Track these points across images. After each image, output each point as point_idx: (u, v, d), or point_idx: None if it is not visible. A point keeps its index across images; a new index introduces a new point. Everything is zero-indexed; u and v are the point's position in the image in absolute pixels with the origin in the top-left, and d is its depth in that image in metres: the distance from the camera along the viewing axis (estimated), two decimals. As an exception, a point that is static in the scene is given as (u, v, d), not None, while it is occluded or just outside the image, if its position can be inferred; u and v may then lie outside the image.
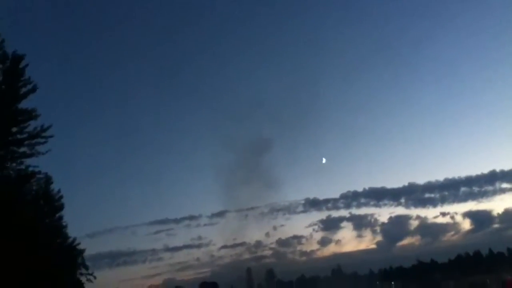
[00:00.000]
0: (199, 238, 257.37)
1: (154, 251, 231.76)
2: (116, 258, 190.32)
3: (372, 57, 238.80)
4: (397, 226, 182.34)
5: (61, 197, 40.78)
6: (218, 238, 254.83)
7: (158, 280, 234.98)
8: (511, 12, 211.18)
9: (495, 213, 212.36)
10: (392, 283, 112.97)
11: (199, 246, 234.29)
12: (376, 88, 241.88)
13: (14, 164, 27.10)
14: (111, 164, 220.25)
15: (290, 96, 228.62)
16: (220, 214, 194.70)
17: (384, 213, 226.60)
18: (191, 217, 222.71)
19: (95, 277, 52.75)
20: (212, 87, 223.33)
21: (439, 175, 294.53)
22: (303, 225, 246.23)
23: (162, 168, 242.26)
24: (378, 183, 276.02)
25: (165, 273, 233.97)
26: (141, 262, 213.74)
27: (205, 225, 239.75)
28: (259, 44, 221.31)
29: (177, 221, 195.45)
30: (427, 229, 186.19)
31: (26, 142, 26.69)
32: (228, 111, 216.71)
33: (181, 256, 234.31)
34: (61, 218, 42.20)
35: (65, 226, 44.23)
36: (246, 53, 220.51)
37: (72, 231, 53.02)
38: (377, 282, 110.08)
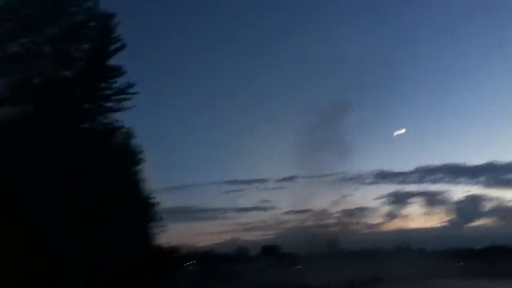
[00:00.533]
0: (267, 201, 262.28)
1: (223, 210, 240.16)
2: (188, 213, 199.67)
3: (475, 20, 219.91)
4: (472, 205, 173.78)
5: (142, 151, 42.93)
6: (284, 203, 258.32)
7: (224, 237, 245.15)
8: None
9: None
10: (460, 263, 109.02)
11: (265, 209, 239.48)
12: (471, 57, 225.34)
13: (102, 118, 28.91)
14: (191, 124, 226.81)
15: (376, 59, 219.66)
16: (289, 179, 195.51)
17: (459, 191, 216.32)
18: (261, 180, 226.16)
19: (167, 230, 56.14)
20: (291, 45, 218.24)
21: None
22: (370, 197, 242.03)
23: (238, 130, 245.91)
24: (457, 159, 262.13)
25: (231, 231, 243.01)
26: (211, 219, 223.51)
27: (273, 188, 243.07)
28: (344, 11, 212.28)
29: (248, 182, 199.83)
30: (504, 211, 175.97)
31: (113, 98, 28.26)
32: (307, 72, 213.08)
33: (248, 217, 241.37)
34: (140, 171, 44.55)
35: (143, 180, 46.60)
36: (330, 8, 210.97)
37: (150, 185, 56.08)
38: (444, 261, 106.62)
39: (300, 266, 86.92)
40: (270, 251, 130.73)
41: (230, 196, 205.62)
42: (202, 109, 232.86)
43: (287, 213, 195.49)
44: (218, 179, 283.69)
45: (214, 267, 79.79)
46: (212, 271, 70.59)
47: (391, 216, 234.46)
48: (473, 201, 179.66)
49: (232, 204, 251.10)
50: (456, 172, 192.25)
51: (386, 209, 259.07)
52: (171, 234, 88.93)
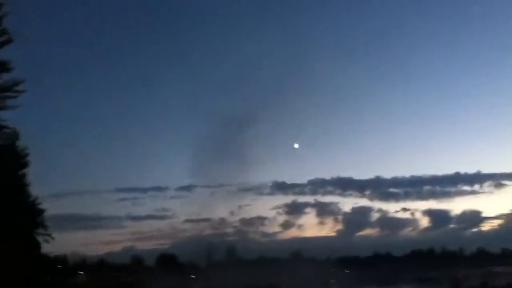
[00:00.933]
0: (164, 209, 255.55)
1: (117, 218, 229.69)
2: (78, 221, 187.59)
3: (363, 48, 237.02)
4: (359, 216, 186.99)
5: (27, 154, 39.97)
6: (182, 212, 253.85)
7: (117, 247, 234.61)
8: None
9: (453, 213, 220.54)
10: (347, 270, 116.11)
11: (162, 217, 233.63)
12: (360, 80, 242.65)
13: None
14: (81, 127, 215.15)
15: (275, 77, 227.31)
16: (188, 188, 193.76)
17: (348, 203, 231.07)
18: (158, 188, 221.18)
19: (52, 238, 52.23)
20: (193, 57, 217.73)
21: (406, 172, 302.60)
22: (268, 207, 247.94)
23: (133, 137, 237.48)
24: (346, 173, 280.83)
25: (126, 240, 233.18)
26: (103, 228, 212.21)
27: (171, 197, 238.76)
28: (247, 18, 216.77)
29: (143, 190, 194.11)
30: (387, 222, 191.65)
31: (-4, 95, 25.95)
32: (209, 84, 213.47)
33: (144, 226, 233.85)
34: (25, 175, 41.40)
35: (29, 184, 43.37)
36: (233, 26, 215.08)
37: (36, 190, 52.15)
38: (333, 269, 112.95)
39: (194, 276, 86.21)
40: (166, 260, 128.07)
41: (124, 204, 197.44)
42: (96, 112, 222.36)
43: (185, 222, 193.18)
44: (111, 186, 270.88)
45: (105, 277, 76.06)
46: (102, 281, 67.17)
47: (287, 225, 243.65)
48: (360, 212, 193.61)
49: (126, 213, 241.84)
50: (345, 186, 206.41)
51: (282, 218, 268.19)
52: (58, 243, 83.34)
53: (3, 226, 30.04)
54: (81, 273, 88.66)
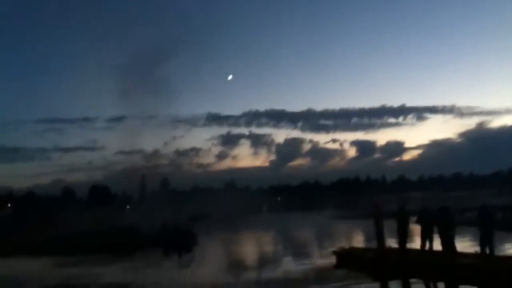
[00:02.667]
0: (94, 141, 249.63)
1: (42, 149, 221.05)
2: (0, 153, 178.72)
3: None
4: (291, 147, 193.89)
5: None
6: (113, 143, 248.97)
7: (46, 179, 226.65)
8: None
9: (378, 144, 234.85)
10: (279, 198, 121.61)
11: (93, 149, 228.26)
12: (294, 12, 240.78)
13: None
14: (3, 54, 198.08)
15: (202, 7, 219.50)
16: (118, 119, 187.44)
17: (281, 135, 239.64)
18: (86, 119, 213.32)
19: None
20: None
21: (336, 104, 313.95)
22: (203, 139, 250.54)
23: (59, 68, 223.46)
24: (279, 105, 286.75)
25: (55, 172, 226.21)
26: (28, 160, 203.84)
27: (101, 128, 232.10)
28: None
29: (70, 121, 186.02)
30: (317, 153, 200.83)
31: None
32: (138, 12, 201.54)
33: (73, 158, 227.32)
34: None
35: None
36: None
37: None
38: (265, 197, 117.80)
39: (129, 207, 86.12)
40: (98, 192, 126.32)
41: (50, 135, 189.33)
42: (19, 40, 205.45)
43: (116, 153, 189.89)
44: (34, 117, 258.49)
45: (34, 210, 74.02)
46: (31, 215, 65.37)
47: (221, 156, 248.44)
48: (292, 143, 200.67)
49: (53, 144, 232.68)
50: (278, 118, 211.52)
51: (217, 149, 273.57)
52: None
53: None
54: (8, 205, 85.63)
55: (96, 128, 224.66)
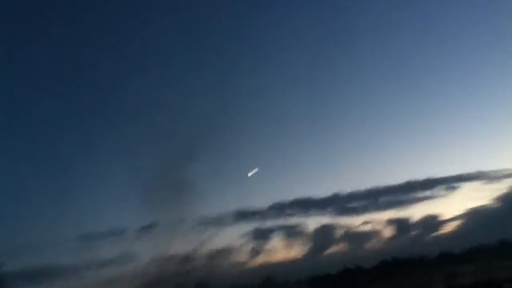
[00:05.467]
0: (125, 252, 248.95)
1: (77, 267, 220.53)
2: (36, 275, 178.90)
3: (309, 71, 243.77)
4: (324, 234, 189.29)
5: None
6: (145, 253, 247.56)
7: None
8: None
9: (412, 220, 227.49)
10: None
11: (125, 261, 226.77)
12: (301, 97, 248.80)
13: None
14: (26, 174, 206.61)
15: (214, 107, 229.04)
16: (147, 228, 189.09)
17: (311, 223, 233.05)
18: (117, 231, 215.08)
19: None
20: (135, 98, 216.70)
21: (361, 185, 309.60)
22: (233, 237, 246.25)
23: (80, 183, 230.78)
24: (304, 194, 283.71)
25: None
26: (63, 279, 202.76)
27: (131, 239, 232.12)
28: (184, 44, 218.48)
29: (102, 235, 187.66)
30: (352, 237, 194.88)
31: None
32: (151, 121, 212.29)
33: (106, 272, 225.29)
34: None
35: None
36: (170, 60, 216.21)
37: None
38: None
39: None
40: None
41: (83, 251, 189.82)
42: (40, 154, 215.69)
43: (150, 262, 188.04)
44: (67, 235, 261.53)
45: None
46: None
47: (254, 252, 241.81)
48: (324, 230, 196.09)
49: (86, 261, 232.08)
50: (305, 206, 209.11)
51: (249, 246, 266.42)
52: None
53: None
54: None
55: (127, 239, 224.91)
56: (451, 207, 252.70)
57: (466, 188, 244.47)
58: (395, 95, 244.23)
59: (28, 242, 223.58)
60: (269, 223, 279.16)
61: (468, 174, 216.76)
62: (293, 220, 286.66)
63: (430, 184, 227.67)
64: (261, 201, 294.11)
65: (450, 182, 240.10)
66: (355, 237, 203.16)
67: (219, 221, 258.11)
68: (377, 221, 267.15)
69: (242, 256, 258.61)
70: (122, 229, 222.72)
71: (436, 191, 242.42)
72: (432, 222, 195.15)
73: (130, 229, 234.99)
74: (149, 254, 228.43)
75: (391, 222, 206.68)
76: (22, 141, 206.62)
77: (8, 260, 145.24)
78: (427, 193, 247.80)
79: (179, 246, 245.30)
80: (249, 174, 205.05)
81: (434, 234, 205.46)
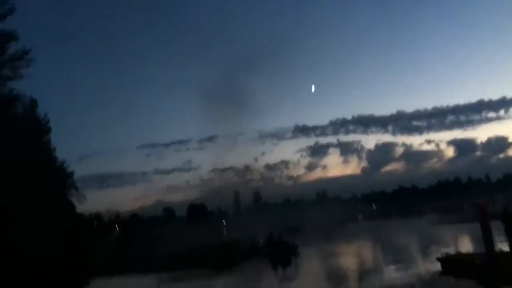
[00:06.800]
0: (189, 162, 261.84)
1: (144, 173, 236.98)
2: (106, 180, 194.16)
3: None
4: (383, 152, 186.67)
5: (48, 120, 40.83)
6: (207, 162, 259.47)
7: (148, 201, 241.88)
8: None
9: (478, 141, 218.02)
10: (374, 206, 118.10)
11: (188, 169, 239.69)
12: (367, 14, 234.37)
13: (-3, 87, 26.66)
14: (98, 88, 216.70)
15: (280, 20, 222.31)
16: (209, 139, 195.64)
17: (371, 140, 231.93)
18: (180, 141, 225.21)
19: (85, 198, 54.24)
20: (199, 8, 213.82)
21: (427, 104, 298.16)
22: (291, 151, 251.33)
23: (149, 93, 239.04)
24: (366, 111, 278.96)
25: (155, 194, 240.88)
26: (131, 184, 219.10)
27: (194, 149, 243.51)
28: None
29: (166, 145, 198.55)
30: (412, 156, 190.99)
31: (8, 65, 26.13)
32: (214, 33, 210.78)
33: (171, 179, 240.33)
34: (49, 141, 42.39)
35: (53, 149, 44.41)
36: None
37: (61, 154, 53.95)
38: (359, 205, 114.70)
39: (224, 222, 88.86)
40: (196, 210, 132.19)
41: (149, 159, 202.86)
42: (109, 71, 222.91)
43: (210, 172, 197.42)
44: (134, 144, 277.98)
45: (139, 231, 79.27)
46: (137, 235, 70.06)
47: (311, 167, 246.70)
48: (384, 148, 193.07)
49: (152, 168, 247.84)
50: (366, 123, 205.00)
51: (305, 161, 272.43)
52: (91, 202, 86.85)
53: (36, 192, 31.08)
54: (116, 229, 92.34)
55: (190, 149, 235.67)
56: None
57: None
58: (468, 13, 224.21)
59: (98, 150, 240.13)
60: (328, 139, 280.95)
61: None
62: (352, 137, 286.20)
63: (503, 104, 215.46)
64: (322, 117, 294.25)
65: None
66: (415, 156, 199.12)
67: (278, 135, 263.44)
68: (441, 140, 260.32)
69: (298, 170, 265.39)
70: (185, 140, 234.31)
71: (509, 112, 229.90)
72: (499, 144, 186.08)
73: (193, 140, 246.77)
74: (210, 164, 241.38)
75: (455, 142, 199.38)
76: (94, 55, 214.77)
77: (79, 166, 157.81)
78: (500, 113, 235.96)
79: (239, 158, 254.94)
80: (312, 89, 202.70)
81: (499, 156, 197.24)
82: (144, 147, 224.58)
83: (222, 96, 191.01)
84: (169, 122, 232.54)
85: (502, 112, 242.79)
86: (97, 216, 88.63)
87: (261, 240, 33.17)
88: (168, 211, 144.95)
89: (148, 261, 30.92)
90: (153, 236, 65.31)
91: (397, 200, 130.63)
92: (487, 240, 15.44)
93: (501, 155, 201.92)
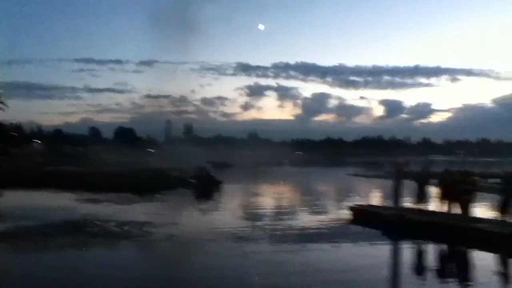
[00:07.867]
0: (123, 84, 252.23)
1: (73, 89, 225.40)
2: (33, 90, 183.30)
3: None
4: (318, 102, 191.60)
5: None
6: (142, 87, 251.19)
7: (74, 118, 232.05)
8: None
9: (407, 104, 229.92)
10: (301, 152, 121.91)
11: (121, 91, 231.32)
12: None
13: None
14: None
15: None
16: (148, 63, 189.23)
17: (309, 88, 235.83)
18: (117, 61, 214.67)
19: (7, 106, 50.72)
20: None
21: (368, 61, 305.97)
22: (229, 88, 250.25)
23: (90, 8, 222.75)
24: (309, 59, 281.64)
25: (83, 112, 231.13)
26: (58, 98, 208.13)
27: (131, 71, 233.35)
28: None
29: (102, 62, 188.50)
30: (344, 109, 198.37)
31: None
32: None
33: (101, 99, 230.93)
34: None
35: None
36: None
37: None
38: (288, 150, 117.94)
39: (152, 150, 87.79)
40: (124, 133, 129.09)
41: (82, 75, 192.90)
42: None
43: (144, 97, 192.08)
44: (68, 56, 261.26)
45: (61, 147, 76.23)
46: (58, 151, 67.36)
47: (247, 106, 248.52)
48: (319, 98, 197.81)
49: (83, 84, 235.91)
50: (307, 71, 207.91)
51: (242, 99, 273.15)
52: (13, 111, 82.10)
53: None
54: (37, 142, 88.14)
55: (126, 71, 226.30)
56: (449, 98, 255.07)
57: (471, 83, 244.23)
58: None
59: (28, 57, 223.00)
60: (268, 81, 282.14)
61: (479, 70, 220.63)
62: (291, 83, 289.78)
63: (436, 72, 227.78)
64: (265, 58, 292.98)
65: (457, 74, 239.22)
66: (347, 110, 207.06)
67: (219, 70, 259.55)
68: (373, 98, 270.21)
69: (234, 108, 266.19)
70: (122, 61, 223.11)
71: (440, 80, 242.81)
72: (424, 109, 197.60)
73: (130, 62, 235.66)
74: (145, 89, 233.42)
75: (386, 102, 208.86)
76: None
77: (5, 71, 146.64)
78: (431, 80, 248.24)
79: (176, 87, 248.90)
80: (261, 28, 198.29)
81: (422, 121, 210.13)
82: (78, 61, 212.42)
83: (168, 20, 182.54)
84: (109, 39, 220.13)
85: (433, 79, 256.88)
86: (18, 127, 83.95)
87: (189, 172, 33.38)
88: (95, 131, 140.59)
89: (69, 179, 29.90)
90: (77, 154, 63.24)
91: (324, 150, 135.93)
92: (396, 195, 16.54)
93: (423, 120, 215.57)
